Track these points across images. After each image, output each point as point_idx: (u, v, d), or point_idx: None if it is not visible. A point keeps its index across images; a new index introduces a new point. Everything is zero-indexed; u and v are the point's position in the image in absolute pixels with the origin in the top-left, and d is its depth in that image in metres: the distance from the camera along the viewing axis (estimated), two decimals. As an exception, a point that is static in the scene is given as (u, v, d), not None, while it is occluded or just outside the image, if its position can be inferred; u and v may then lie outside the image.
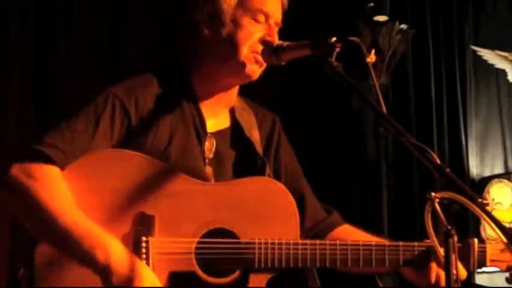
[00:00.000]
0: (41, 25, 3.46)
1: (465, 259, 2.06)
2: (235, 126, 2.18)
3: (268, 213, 2.03)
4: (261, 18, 2.07)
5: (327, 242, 2.06)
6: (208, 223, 1.96)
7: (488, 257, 2.11)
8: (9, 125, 3.32)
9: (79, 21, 3.55)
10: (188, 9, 2.12)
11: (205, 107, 2.13)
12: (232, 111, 2.20)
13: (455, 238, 1.45)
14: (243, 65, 2.05)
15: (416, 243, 2.10)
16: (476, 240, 2.07)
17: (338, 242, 2.05)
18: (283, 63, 2.02)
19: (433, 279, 2.06)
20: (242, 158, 2.17)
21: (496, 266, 2.13)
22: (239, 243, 1.98)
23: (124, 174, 1.93)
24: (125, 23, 3.70)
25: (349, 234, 2.22)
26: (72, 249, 1.82)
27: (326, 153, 4.31)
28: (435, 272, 2.07)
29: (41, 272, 1.85)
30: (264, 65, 2.08)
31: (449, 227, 1.46)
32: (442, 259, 1.47)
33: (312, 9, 4.19)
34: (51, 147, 1.89)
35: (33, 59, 3.43)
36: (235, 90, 2.19)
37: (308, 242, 2.04)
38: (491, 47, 5.09)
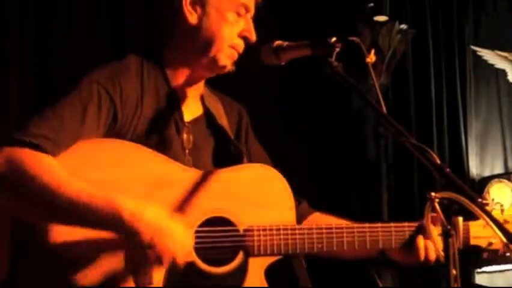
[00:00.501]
0: (41, 25, 3.46)
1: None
2: (207, 114, 2.17)
3: (265, 200, 2.03)
4: (242, 11, 2.07)
5: (324, 226, 2.06)
6: (205, 212, 1.96)
7: (472, 234, 2.13)
8: (9, 125, 3.32)
9: (79, 21, 3.55)
10: None
11: (180, 94, 2.11)
12: (202, 98, 2.19)
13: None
14: (218, 60, 2.05)
15: (406, 224, 2.12)
16: (461, 218, 2.07)
17: (333, 226, 2.06)
18: (283, 63, 2.02)
19: (422, 255, 2.06)
20: (218, 146, 2.16)
21: (477, 244, 2.14)
22: (237, 230, 1.98)
23: (117, 163, 1.89)
24: (125, 23, 3.70)
25: (323, 220, 2.21)
26: (81, 218, 1.74)
27: (326, 154, 4.32)
28: (423, 246, 2.07)
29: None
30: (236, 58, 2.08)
31: (449, 227, 1.47)
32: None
33: (313, 9, 4.20)
34: (38, 136, 1.78)
35: (33, 59, 3.43)
36: (203, 81, 2.18)
37: (306, 227, 2.05)
38: (491, 47, 5.09)
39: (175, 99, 2.09)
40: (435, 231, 1.69)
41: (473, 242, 2.14)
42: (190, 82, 2.12)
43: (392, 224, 2.13)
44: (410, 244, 2.09)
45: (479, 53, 5.06)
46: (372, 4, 4.38)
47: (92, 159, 1.88)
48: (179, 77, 2.10)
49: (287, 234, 2.01)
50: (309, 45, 1.89)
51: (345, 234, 2.06)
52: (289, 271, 2.10)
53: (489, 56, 5.09)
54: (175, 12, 2.07)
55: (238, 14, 2.06)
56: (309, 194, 2.34)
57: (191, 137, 2.09)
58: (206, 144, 2.14)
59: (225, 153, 2.15)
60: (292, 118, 4.23)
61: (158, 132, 2.01)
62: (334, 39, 1.80)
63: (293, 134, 4.22)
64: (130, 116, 1.97)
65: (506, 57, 5.12)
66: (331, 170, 4.31)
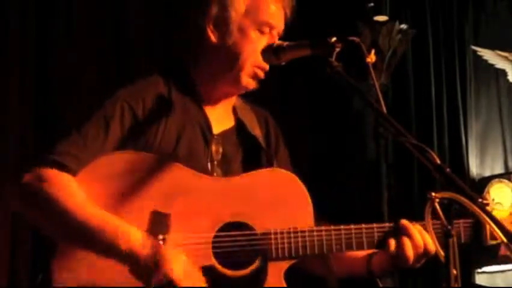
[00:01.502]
0: (41, 25, 3.46)
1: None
2: (239, 125, 2.20)
3: (281, 202, 2.04)
4: (266, 29, 2.08)
5: (342, 227, 2.06)
6: (222, 217, 1.98)
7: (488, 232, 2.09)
8: (9, 125, 3.32)
9: (79, 21, 3.55)
10: (195, 13, 2.12)
11: (209, 108, 2.14)
12: (234, 110, 2.21)
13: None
14: (240, 79, 2.08)
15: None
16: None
17: (352, 226, 2.06)
18: (283, 63, 2.02)
19: (392, 247, 2.04)
20: (249, 156, 2.18)
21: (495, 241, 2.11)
22: (255, 234, 1.99)
23: (134, 174, 1.94)
24: (125, 23, 3.70)
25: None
26: (92, 242, 1.84)
27: (326, 153, 4.31)
28: (395, 244, 2.05)
29: (59, 276, 1.86)
30: (262, 77, 2.09)
31: (449, 227, 1.47)
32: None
33: (312, 9, 4.19)
34: (62, 154, 1.91)
35: (33, 59, 3.43)
36: (233, 95, 2.21)
37: (323, 228, 2.05)
38: (491, 47, 5.08)
39: (203, 111, 2.12)
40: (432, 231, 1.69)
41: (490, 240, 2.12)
42: (218, 96, 2.15)
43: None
44: (381, 245, 2.08)
45: (479, 53, 5.05)
46: (372, 4, 4.38)
47: (109, 172, 1.94)
48: (207, 92, 2.14)
49: (305, 236, 2.02)
50: (309, 45, 1.89)
51: (364, 234, 2.06)
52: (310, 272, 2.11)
53: (489, 56, 5.08)
54: (199, 32, 2.10)
55: (261, 32, 2.07)
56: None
57: (220, 149, 2.11)
58: (236, 155, 2.17)
59: (256, 163, 2.16)
60: (292, 118, 4.23)
61: (185, 145, 2.04)
62: (334, 39, 1.80)
63: (293, 134, 4.21)
64: (154, 130, 2.01)
65: (506, 57, 5.12)
66: (331, 170, 4.31)
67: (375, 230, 2.08)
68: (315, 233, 2.02)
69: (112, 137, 1.97)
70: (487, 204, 1.49)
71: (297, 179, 2.08)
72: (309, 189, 2.36)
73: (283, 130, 2.37)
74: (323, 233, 2.03)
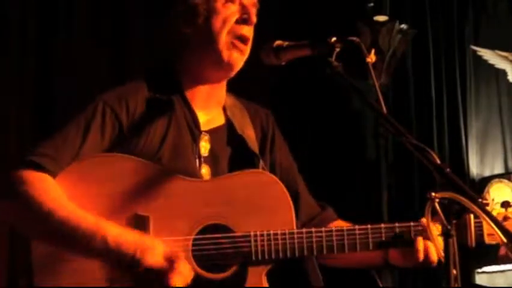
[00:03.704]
0: (41, 25, 3.46)
1: (463, 236, 2.05)
2: (229, 124, 2.18)
3: (262, 205, 2.03)
4: None
5: (323, 229, 2.05)
6: (202, 219, 1.97)
7: (485, 231, 2.09)
8: (9, 126, 3.32)
9: (79, 21, 3.55)
10: (167, 11, 2.13)
11: (197, 105, 2.13)
12: (224, 109, 2.20)
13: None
14: (220, 54, 2.05)
15: (396, 224, 2.11)
16: (472, 216, 2.07)
17: (333, 228, 2.05)
18: (283, 63, 2.02)
19: (421, 255, 2.04)
20: (237, 156, 2.17)
21: (494, 240, 2.10)
22: (234, 237, 1.98)
23: (115, 177, 1.94)
24: (125, 23, 3.70)
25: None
26: (70, 241, 1.84)
27: (326, 153, 4.31)
28: (423, 248, 2.05)
29: (39, 274, 1.86)
30: (247, 51, 2.08)
31: (449, 227, 1.47)
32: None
33: (313, 9, 4.19)
34: (42, 156, 1.91)
35: (33, 59, 3.43)
36: (223, 86, 2.19)
37: (304, 230, 2.04)
38: (491, 47, 5.08)
39: (190, 108, 2.11)
40: (435, 231, 1.69)
41: (488, 239, 2.11)
42: (205, 89, 2.14)
43: (390, 224, 2.11)
44: (410, 246, 2.08)
45: (479, 53, 5.05)
46: (372, 4, 4.38)
47: (90, 175, 1.95)
48: (194, 85, 2.13)
49: (285, 238, 2.00)
50: (309, 45, 1.89)
51: (345, 237, 2.04)
52: (300, 271, 2.09)
53: (489, 56, 5.08)
54: (175, 28, 2.11)
55: (228, 1, 2.07)
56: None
57: (208, 146, 2.11)
58: (225, 153, 2.15)
59: (244, 164, 2.15)
60: (292, 118, 4.23)
61: (170, 144, 2.03)
62: (334, 39, 1.80)
63: (293, 134, 4.21)
64: (139, 130, 2.01)
65: (506, 57, 5.11)
66: (331, 170, 4.31)
67: (370, 231, 2.07)
68: (295, 235, 2.01)
69: (90, 140, 1.97)
70: (487, 204, 1.49)
71: (277, 180, 2.07)
72: (309, 190, 2.36)
73: (283, 130, 2.36)
74: (304, 234, 2.01)
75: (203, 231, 1.96)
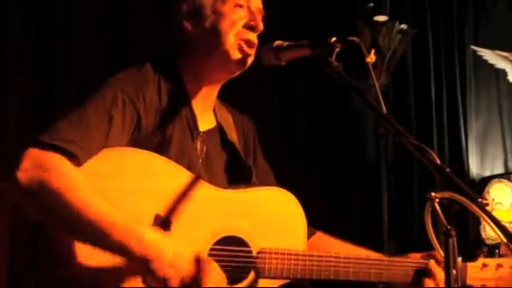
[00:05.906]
0: (41, 25, 3.46)
1: None
2: (220, 128, 2.19)
3: (280, 223, 2.06)
4: (241, 1, 2.07)
5: (333, 254, 2.07)
6: (221, 230, 1.97)
7: (469, 275, 2.16)
8: (10, 126, 3.32)
9: (79, 21, 3.55)
10: (171, 9, 2.13)
11: (195, 104, 2.12)
12: (214, 112, 2.20)
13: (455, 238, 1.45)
14: (228, 54, 2.04)
15: (409, 260, 2.17)
16: (460, 259, 2.09)
17: (341, 256, 2.08)
18: (283, 64, 2.02)
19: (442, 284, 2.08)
20: (229, 161, 2.18)
21: (472, 285, 2.17)
22: (250, 252, 1.99)
23: (140, 174, 1.89)
24: (126, 22, 3.70)
25: (326, 244, 2.24)
26: (104, 241, 1.75)
27: (326, 153, 4.32)
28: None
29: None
30: (253, 54, 2.08)
31: (449, 227, 1.47)
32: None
33: (313, 9, 4.20)
34: (68, 142, 1.78)
35: (34, 59, 3.43)
36: (218, 89, 2.18)
37: (316, 254, 2.06)
38: (491, 47, 5.09)
39: (190, 107, 2.10)
40: (432, 232, 1.69)
41: (468, 282, 2.17)
42: (205, 90, 2.13)
43: (397, 259, 2.16)
44: (416, 285, 2.13)
45: (479, 53, 5.06)
46: (372, 4, 4.38)
47: (118, 168, 1.87)
48: (195, 84, 2.11)
49: (298, 259, 2.02)
50: (309, 45, 1.88)
51: (351, 265, 2.08)
52: None
53: (489, 56, 5.09)
54: (178, 25, 2.10)
55: (238, 6, 2.07)
56: (308, 195, 2.34)
57: (204, 147, 2.10)
58: (218, 156, 2.15)
59: (235, 169, 2.16)
60: (292, 118, 4.23)
61: (177, 142, 2.01)
62: (334, 39, 1.79)
63: (293, 134, 4.22)
64: (151, 126, 1.98)
65: (506, 57, 5.12)
66: (331, 170, 4.31)
67: (372, 262, 2.12)
68: (307, 258, 2.03)
69: (114, 131, 1.89)
70: (487, 204, 1.49)
71: (296, 201, 2.09)
72: (309, 190, 2.36)
73: (283, 130, 2.36)
74: (315, 258, 2.04)
75: (220, 241, 1.96)
